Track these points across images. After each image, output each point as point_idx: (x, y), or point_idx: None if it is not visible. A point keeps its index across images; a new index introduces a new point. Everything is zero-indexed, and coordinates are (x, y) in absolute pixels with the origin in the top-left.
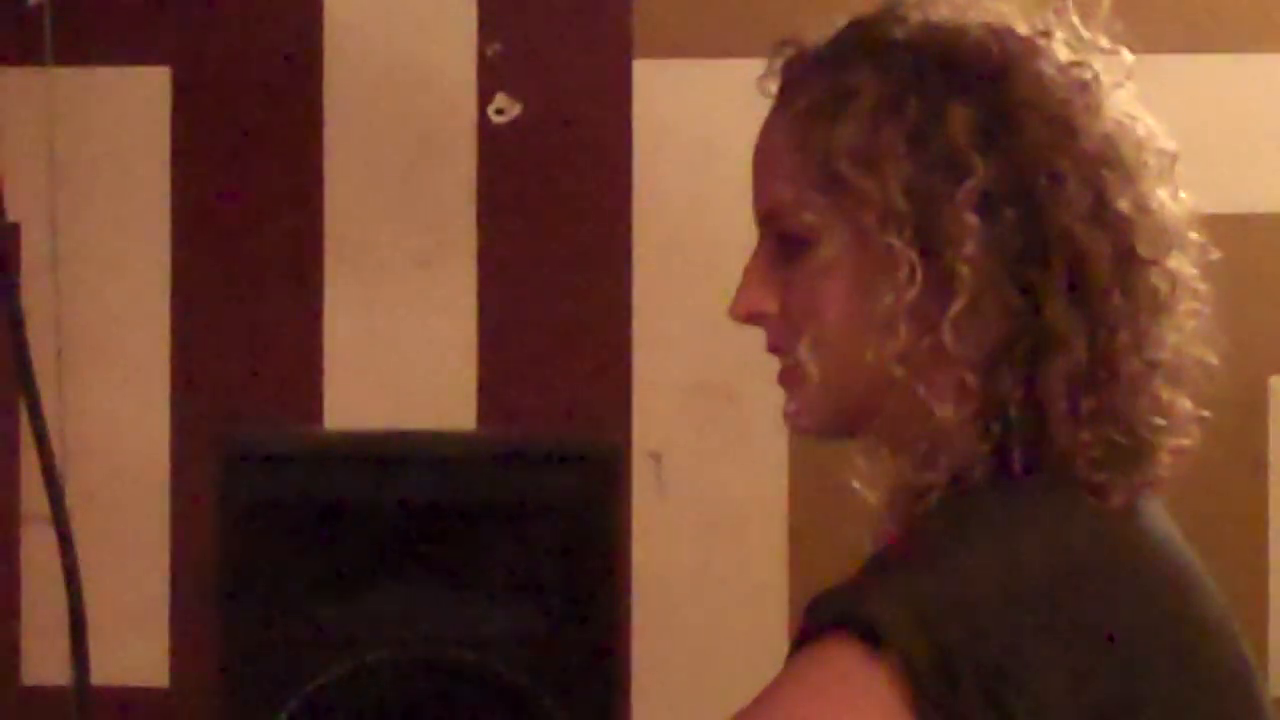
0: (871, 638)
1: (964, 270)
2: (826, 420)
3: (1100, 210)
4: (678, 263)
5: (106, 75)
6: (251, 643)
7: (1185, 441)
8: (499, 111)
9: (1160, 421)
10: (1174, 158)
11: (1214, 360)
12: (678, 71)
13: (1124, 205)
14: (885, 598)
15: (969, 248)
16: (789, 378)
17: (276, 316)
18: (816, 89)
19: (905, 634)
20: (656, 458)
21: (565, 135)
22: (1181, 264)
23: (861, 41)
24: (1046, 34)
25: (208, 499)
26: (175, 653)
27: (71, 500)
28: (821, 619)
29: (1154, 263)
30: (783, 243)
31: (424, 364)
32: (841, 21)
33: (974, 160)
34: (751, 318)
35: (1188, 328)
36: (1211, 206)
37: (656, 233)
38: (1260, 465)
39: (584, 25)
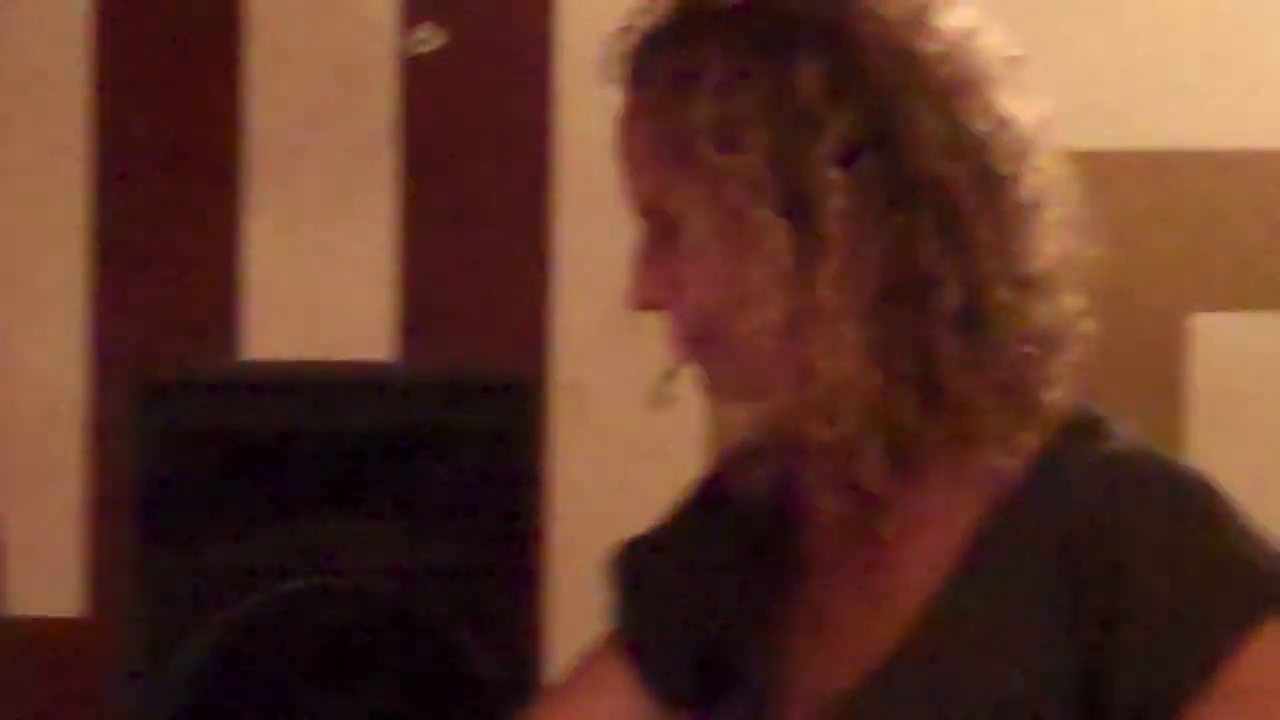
0: None
1: (834, 227)
2: (738, 390)
3: (957, 137)
4: (599, 195)
5: (26, 2)
6: (168, 573)
7: (1072, 355)
8: (421, 41)
9: (1039, 344)
10: (1020, 62)
11: (1094, 253)
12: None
13: (978, 125)
14: None
15: (836, 203)
16: (699, 358)
17: (195, 248)
18: (662, 74)
19: None
20: (576, 389)
21: (488, 66)
22: (1041, 171)
23: (697, 17)
24: None
25: (125, 430)
26: (94, 583)
27: None
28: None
29: (1015, 177)
30: (659, 230)
31: (343, 296)
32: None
33: (827, 114)
34: (647, 306)
35: (1060, 231)
36: (1132, 143)
37: (578, 165)
38: (1179, 404)
39: None
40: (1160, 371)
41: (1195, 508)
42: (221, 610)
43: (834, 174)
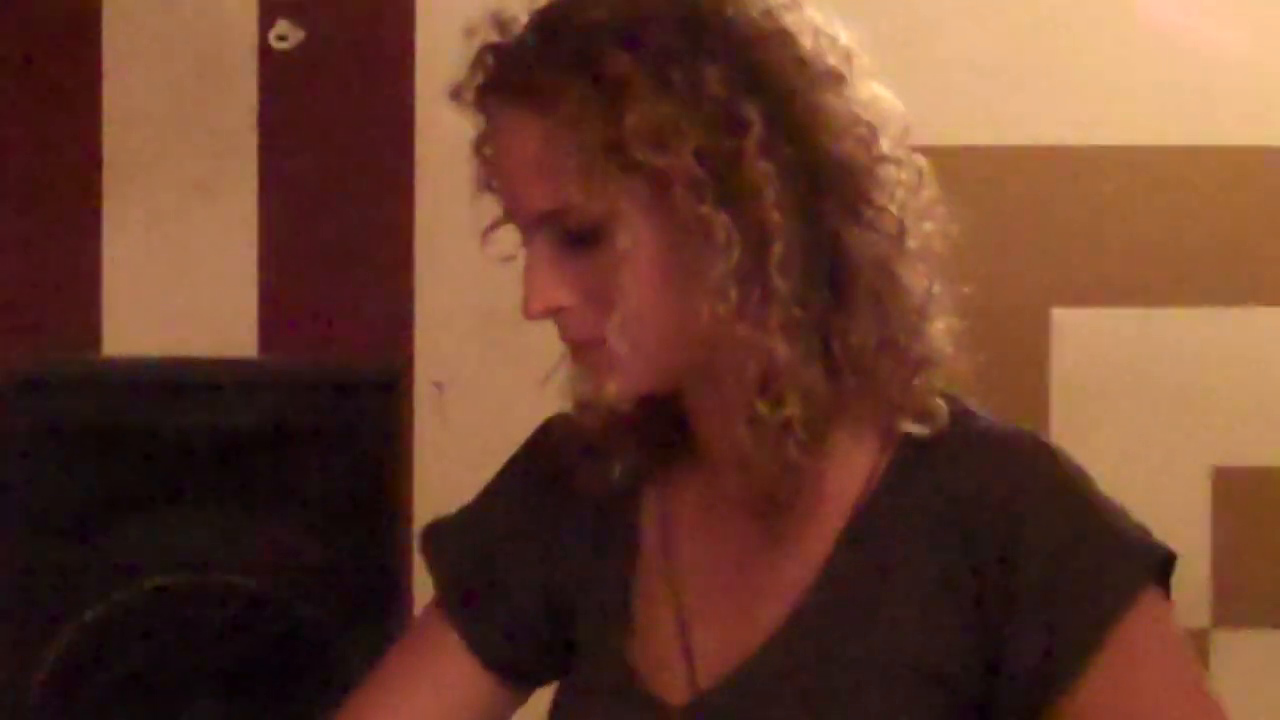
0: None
1: (774, 216)
2: (643, 391)
3: (852, 121)
4: (462, 190)
5: None
6: (26, 571)
7: (948, 320)
8: (280, 38)
9: (928, 309)
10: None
11: (953, 229)
12: None
13: (860, 110)
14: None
15: (770, 194)
16: (596, 362)
17: (53, 242)
18: (574, 88)
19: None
20: (440, 386)
21: (348, 62)
22: (907, 147)
23: (596, 30)
24: None
25: None
26: None
27: None
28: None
29: (896, 156)
30: (567, 237)
31: (204, 291)
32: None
33: (746, 111)
34: (549, 313)
35: (921, 202)
36: (995, 138)
37: (440, 160)
38: (1042, 398)
39: None
40: (1024, 365)
41: (1073, 485)
42: (81, 609)
43: (764, 166)
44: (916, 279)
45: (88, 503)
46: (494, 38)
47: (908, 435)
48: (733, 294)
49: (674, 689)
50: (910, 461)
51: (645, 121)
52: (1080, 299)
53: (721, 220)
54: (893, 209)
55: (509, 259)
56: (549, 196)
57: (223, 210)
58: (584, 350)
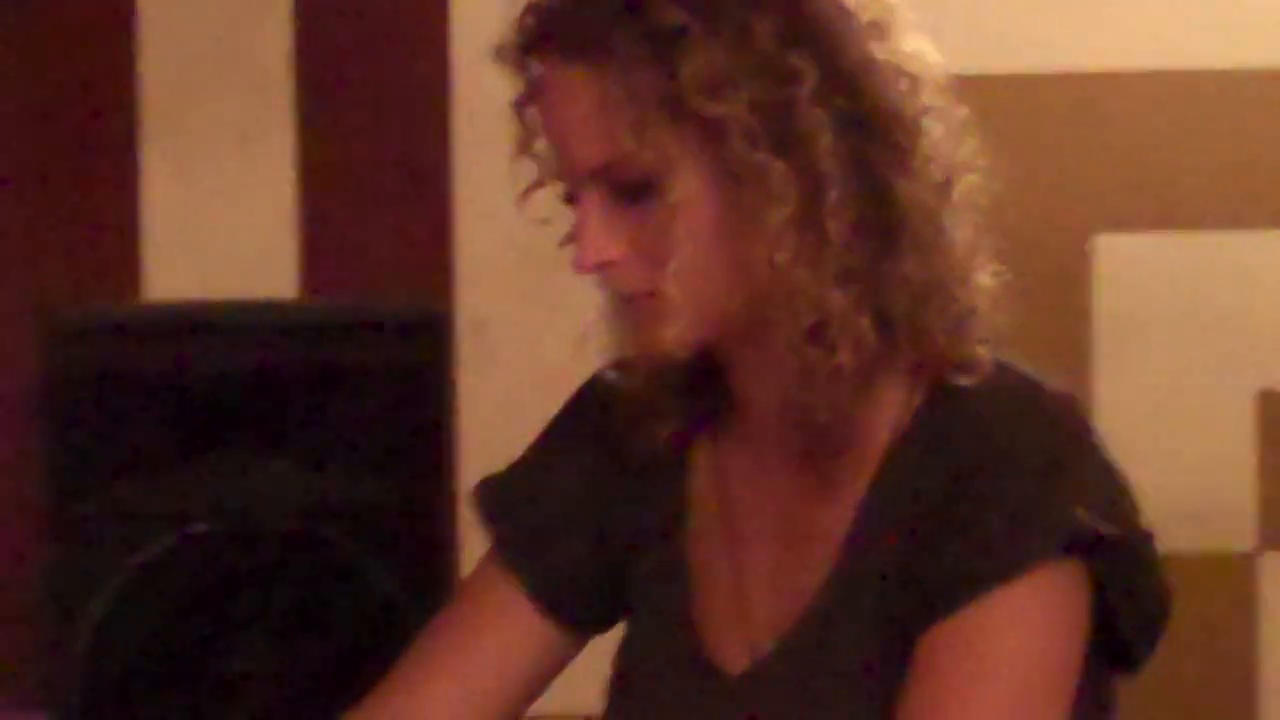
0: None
1: (828, 164)
2: (697, 340)
3: (899, 73)
4: (501, 129)
5: None
6: (77, 517)
7: (990, 272)
8: None
9: (972, 262)
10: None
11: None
12: None
13: (904, 61)
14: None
15: (824, 142)
16: (650, 312)
17: (93, 190)
18: (626, 39)
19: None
20: (482, 325)
21: (383, 5)
22: (951, 99)
23: None
24: None
25: (27, 373)
26: (3, 528)
27: None
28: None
29: (939, 107)
30: (618, 190)
31: (244, 235)
32: None
33: (797, 62)
34: (601, 267)
35: (965, 155)
36: (1035, 66)
37: (478, 99)
38: (1085, 327)
39: None
40: (1066, 293)
41: (1048, 443)
42: (130, 554)
43: (818, 114)
44: (961, 229)
45: (133, 449)
46: None
47: (945, 383)
48: (790, 241)
49: (732, 654)
50: (940, 408)
51: (701, 71)
52: (1122, 225)
53: (777, 168)
54: (939, 161)
55: (551, 197)
56: (602, 150)
57: (261, 153)
58: (634, 302)
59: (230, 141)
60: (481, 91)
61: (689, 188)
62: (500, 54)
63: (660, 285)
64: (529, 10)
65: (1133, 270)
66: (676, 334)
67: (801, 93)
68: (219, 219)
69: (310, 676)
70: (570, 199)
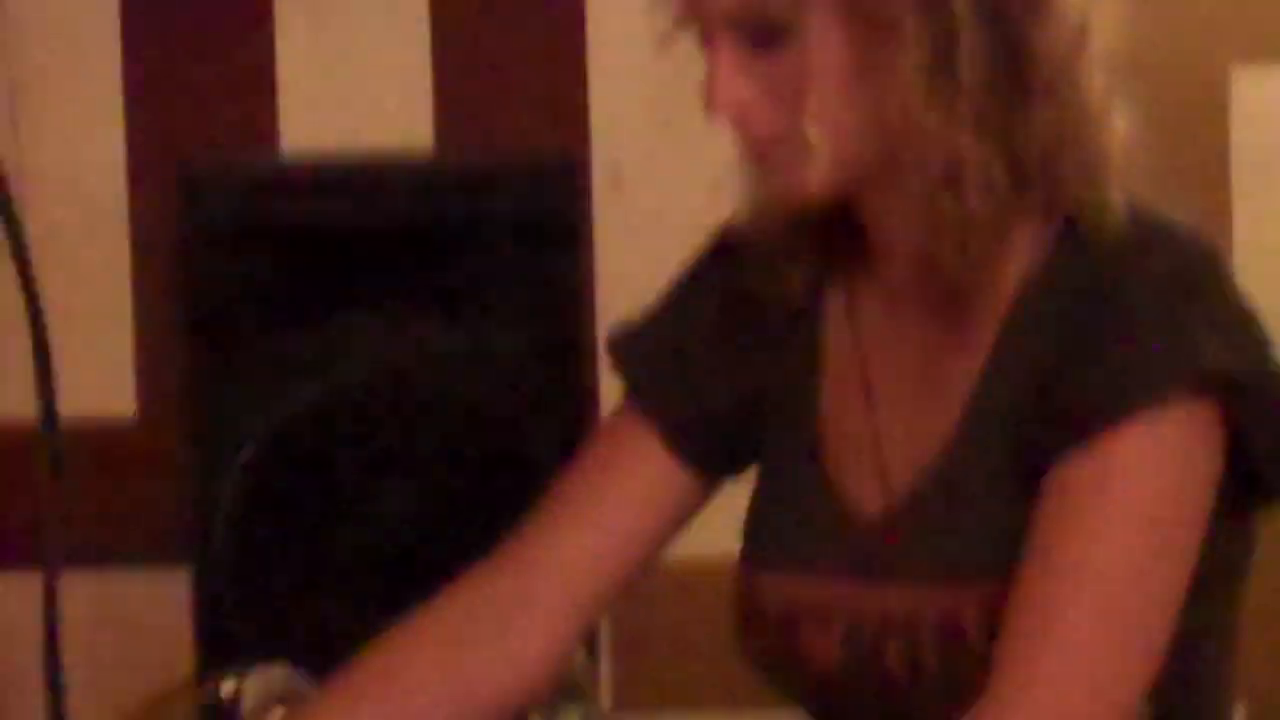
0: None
1: (962, 9)
2: (831, 187)
3: None
4: None
5: None
6: (216, 371)
7: (1123, 124)
8: None
9: (1107, 109)
10: None
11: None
12: None
13: None
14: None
15: None
16: (784, 157)
17: (229, 45)
18: None
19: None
20: (616, 167)
21: None
22: None
23: None
24: None
25: (167, 228)
26: (141, 381)
27: (32, 233)
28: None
29: None
30: (752, 35)
31: (379, 87)
32: None
33: None
34: (735, 108)
35: (1113, 9)
36: None
37: None
38: (1223, 157)
39: None
40: (1203, 126)
41: (1177, 284)
42: (272, 407)
43: None
44: (1096, 75)
45: (273, 300)
46: None
47: (1076, 231)
48: (922, 87)
49: (867, 497)
50: (1071, 254)
51: None
52: (1260, 56)
53: (911, 13)
54: (1074, 8)
55: (685, 39)
56: None
57: (394, 3)
58: (768, 147)
59: None
60: None
61: (823, 32)
62: None
63: (795, 128)
64: None
65: (1272, 102)
66: (813, 177)
67: None
68: (354, 70)
69: (453, 524)
70: (705, 43)
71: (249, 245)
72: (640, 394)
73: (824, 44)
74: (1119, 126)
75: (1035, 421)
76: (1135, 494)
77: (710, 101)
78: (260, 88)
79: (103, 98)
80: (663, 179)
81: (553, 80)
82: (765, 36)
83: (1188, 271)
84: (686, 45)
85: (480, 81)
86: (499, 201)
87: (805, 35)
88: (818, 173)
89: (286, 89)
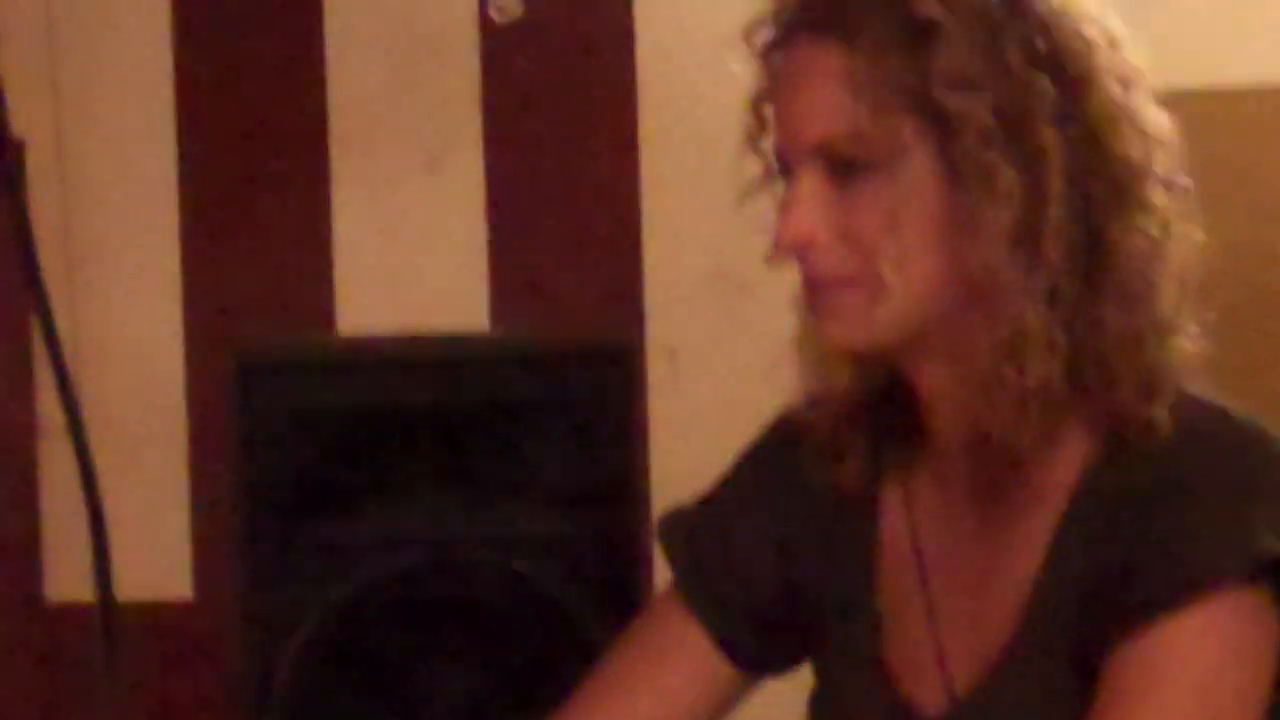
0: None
1: (1057, 183)
2: (889, 335)
3: (1134, 122)
4: (685, 155)
5: None
6: (272, 553)
7: (1190, 346)
8: (500, 9)
9: (1178, 328)
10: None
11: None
12: None
13: (1147, 124)
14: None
15: (1055, 161)
16: (852, 301)
17: (285, 223)
18: (883, 22)
19: None
20: (672, 352)
21: (568, 31)
22: (1178, 174)
23: None
24: None
25: (224, 409)
26: (198, 565)
27: (88, 414)
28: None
29: (1170, 179)
30: (838, 169)
31: (434, 266)
32: None
33: (1042, 82)
34: (803, 246)
35: (1182, 229)
36: (1220, 79)
37: (663, 126)
38: (1278, 333)
39: None
40: (1258, 300)
41: (1231, 466)
42: (327, 588)
43: (1052, 134)
44: (1169, 288)
45: (330, 483)
46: None
47: (1124, 433)
48: (1005, 246)
49: (928, 695)
50: (1124, 449)
51: (951, 64)
52: None
53: (1006, 172)
54: (1156, 223)
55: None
56: (836, 121)
57: (449, 184)
58: (834, 290)
59: (419, 172)
60: (668, 117)
61: (916, 175)
62: (749, 34)
63: (869, 271)
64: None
65: None
66: (880, 322)
67: (1040, 109)
68: (410, 250)
69: (507, 710)
70: (787, 176)
71: (304, 426)
72: (688, 586)
73: (916, 187)
74: (1184, 347)
75: (1095, 617)
76: (1189, 678)
77: (781, 234)
78: (317, 267)
79: (159, 275)
80: (718, 358)
81: (608, 262)
82: (852, 171)
83: (1241, 460)
84: (742, 230)
85: (536, 262)
86: (554, 384)
87: (897, 174)
88: (886, 318)
89: (343, 268)
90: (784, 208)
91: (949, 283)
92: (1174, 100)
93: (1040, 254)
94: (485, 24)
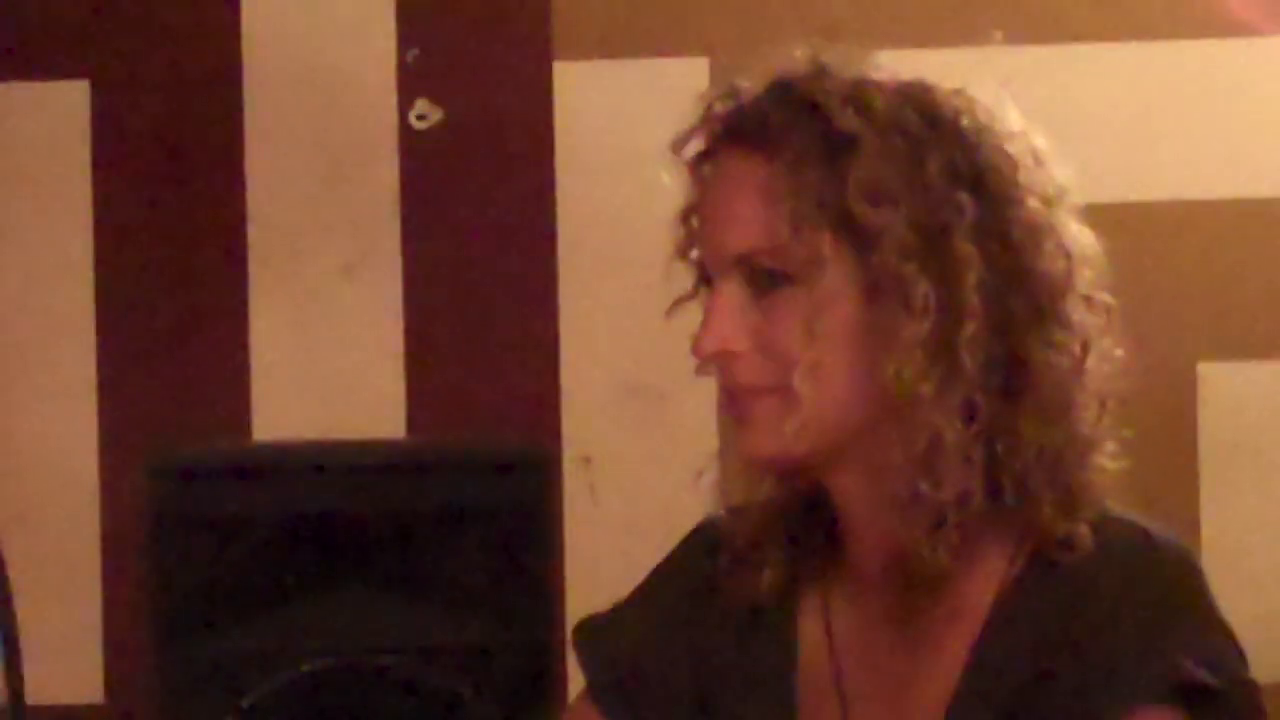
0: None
1: (972, 298)
2: (803, 447)
3: (1055, 247)
4: (603, 264)
5: (24, 90)
6: (186, 658)
7: (1109, 463)
8: (420, 117)
9: (1101, 447)
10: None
11: (1127, 384)
12: (598, 72)
13: (1068, 241)
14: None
15: (972, 277)
16: (769, 409)
17: (202, 328)
18: (802, 135)
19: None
20: (587, 461)
21: (487, 139)
22: (1100, 291)
23: (830, 93)
24: (963, 91)
25: (139, 514)
26: (110, 670)
27: (1, 518)
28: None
29: (1091, 295)
30: (758, 281)
31: (352, 373)
32: (758, 78)
33: (962, 198)
34: (722, 355)
35: (1103, 346)
36: (1141, 194)
37: (580, 234)
38: (1191, 453)
39: (503, 28)
40: (1171, 421)
41: (1152, 589)
42: (240, 694)
43: (970, 250)
44: (1090, 410)
45: (242, 589)
46: (728, 102)
47: (1048, 553)
48: (920, 359)
49: None
50: (1045, 571)
51: (867, 178)
52: (1226, 352)
53: (922, 285)
54: (1077, 340)
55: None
56: (756, 234)
57: (367, 292)
58: (752, 399)
59: (337, 279)
60: (586, 227)
61: (833, 287)
62: (677, 146)
63: (785, 381)
64: (715, 105)
65: (1237, 398)
66: (793, 434)
67: (959, 224)
68: (327, 357)
69: None
70: (710, 286)
71: (217, 532)
72: (601, 693)
73: (832, 298)
74: (1104, 465)
75: None
76: None
77: (700, 342)
78: (233, 372)
79: (75, 380)
80: (633, 464)
81: (525, 370)
82: (772, 283)
83: (1162, 582)
84: (659, 340)
85: (453, 369)
86: (470, 491)
87: (814, 286)
88: (799, 430)
89: (259, 374)
90: (705, 317)
91: (864, 395)
92: (1096, 214)
93: (956, 368)
94: (405, 129)
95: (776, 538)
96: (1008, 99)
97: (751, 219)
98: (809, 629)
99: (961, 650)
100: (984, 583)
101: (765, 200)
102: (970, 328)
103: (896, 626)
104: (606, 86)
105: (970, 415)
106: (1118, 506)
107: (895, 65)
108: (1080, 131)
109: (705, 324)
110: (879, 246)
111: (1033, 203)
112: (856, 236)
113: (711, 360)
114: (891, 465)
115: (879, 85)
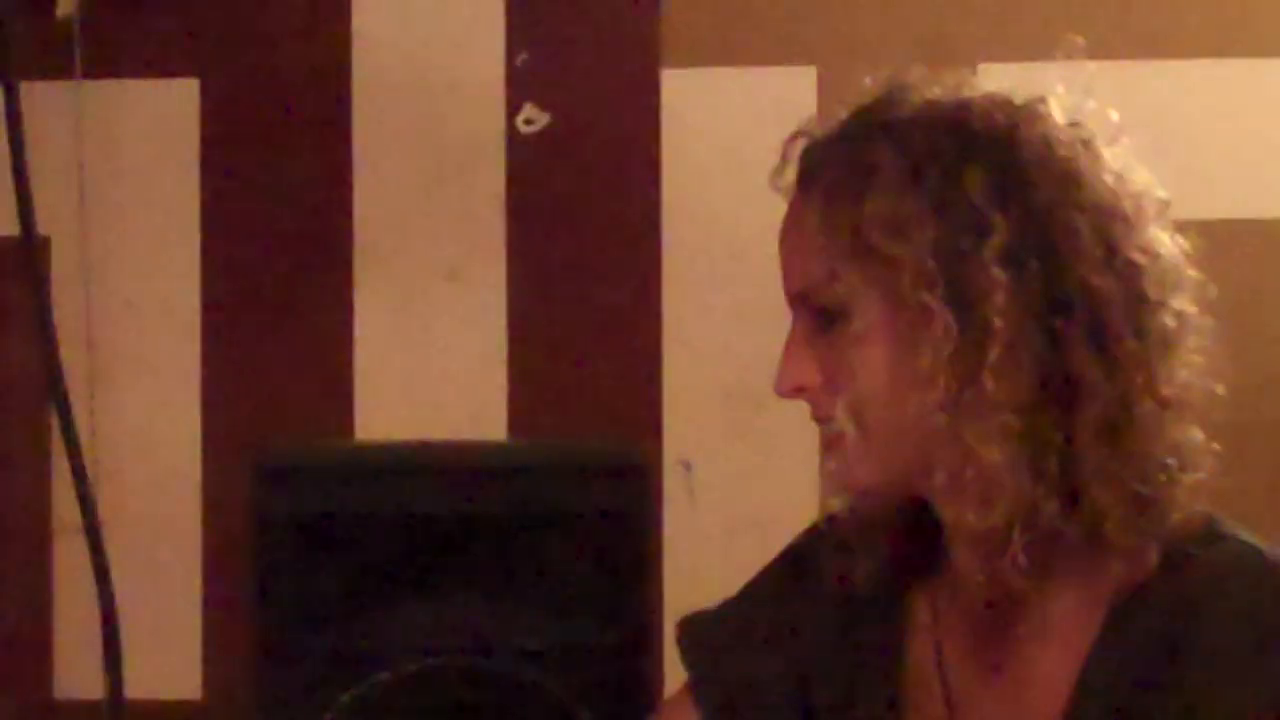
0: None
1: (997, 321)
2: (873, 479)
3: (1111, 258)
4: (707, 270)
5: (135, 88)
6: (285, 656)
7: (1200, 475)
8: (527, 121)
9: (1172, 461)
10: (1167, 205)
11: (1220, 391)
12: (706, 80)
13: (1132, 252)
14: None
15: (999, 299)
16: (832, 442)
17: (307, 328)
18: (836, 169)
19: None
20: (687, 466)
21: (594, 145)
22: (1185, 302)
23: (873, 121)
24: (1043, 100)
25: (240, 512)
26: (209, 665)
27: (104, 513)
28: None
29: (1161, 304)
30: (818, 317)
31: (454, 375)
32: (846, 109)
33: (994, 218)
34: (796, 392)
35: (1195, 363)
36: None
37: (686, 241)
38: None
39: (612, 34)
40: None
41: (1263, 608)
42: (338, 693)
43: (998, 273)
44: (1165, 427)
45: (343, 589)
46: (800, 141)
47: (1141, 571)
48: (940, 385)
49: None
50: (1150, 594)
51: (883, 209)
52: None
53: (942, 313)
54: (1143, 353)
55: (758, 337)
56: (801, 275)
57: (471, 294)
58: (825, 430)
59: (442, 282)
60: (691, 231)
61: (867, 321)
62: (773, 181)
63: (835, 416)
64: (797, 135)
65: None
66: (849, 469)
67: (987, 247)
68: (431, 359)
69: None
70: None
71: (319, 531)
72: (701, 689)
73: (867, 332)
74: (1188, 479)
75: None
76: None
77: (776, 381)
78: (337, 373)
79: (180, 378)
80: (734, 469)
81: (627, 374)
82: (829, 319)
83: (1275, 603)
84: (758, 345)
85: (555, 373)
86: (570, 495)
87: (854, 321)
88: (862, 462)
89: (363, 375)
90: (783, 353)
91: (905, 428)
92: (1190, 229)
93: (983, 393)
94: (512, 134)
95: (883, 535)
96: (1093, 108)
97: (797, 260)
98: (915, 629)
99: (1066, 676)
100: (1080, 599)
101: (804, 239)
102: (995, 353)
103: (998, 642)
104: (714, 94)
105: (1012, 439)
106: (1231, 523)
107: (999, 79)
108: (1183, 147)
109: (780, 362)
110: (899, 277)
111: (1090, 216)
112: (883, 268)
113: (788, 398)
114: (947, 496)
115: (915, 108)
